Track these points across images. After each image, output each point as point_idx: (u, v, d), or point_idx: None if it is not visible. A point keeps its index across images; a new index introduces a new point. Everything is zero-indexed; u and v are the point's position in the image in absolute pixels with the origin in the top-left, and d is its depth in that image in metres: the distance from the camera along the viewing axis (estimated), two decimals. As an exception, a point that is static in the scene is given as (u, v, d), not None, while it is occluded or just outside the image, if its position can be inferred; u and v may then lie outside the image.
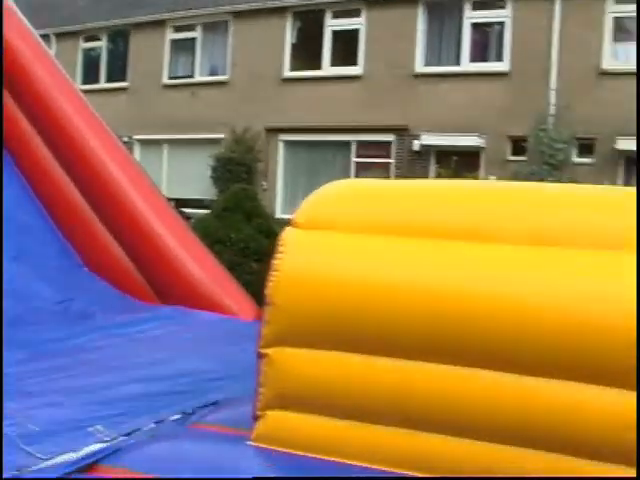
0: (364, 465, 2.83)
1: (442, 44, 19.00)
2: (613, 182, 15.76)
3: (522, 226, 2.81)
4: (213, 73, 21.82)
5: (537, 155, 16.65)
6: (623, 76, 16.45)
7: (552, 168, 16.22)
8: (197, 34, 21.90)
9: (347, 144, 19.53)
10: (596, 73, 16.78)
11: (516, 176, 15.60)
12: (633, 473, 2.46)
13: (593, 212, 2.83)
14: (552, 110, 16.85)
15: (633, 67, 16.43)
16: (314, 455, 2.90)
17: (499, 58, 18.08)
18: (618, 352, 2.48)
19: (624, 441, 2.47)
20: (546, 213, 2.86)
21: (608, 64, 16.82)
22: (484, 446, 2.70)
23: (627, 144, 16.02)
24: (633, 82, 16.10)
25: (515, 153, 17.46)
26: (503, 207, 2.94)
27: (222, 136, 20.43)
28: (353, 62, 19.48)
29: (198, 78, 21.79)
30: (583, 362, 2.53)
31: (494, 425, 2.67)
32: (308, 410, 2.96)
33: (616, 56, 17.06)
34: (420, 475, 2.76)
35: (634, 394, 2.46)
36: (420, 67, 18.74)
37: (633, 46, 16.93)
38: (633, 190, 2.92)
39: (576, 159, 16.80)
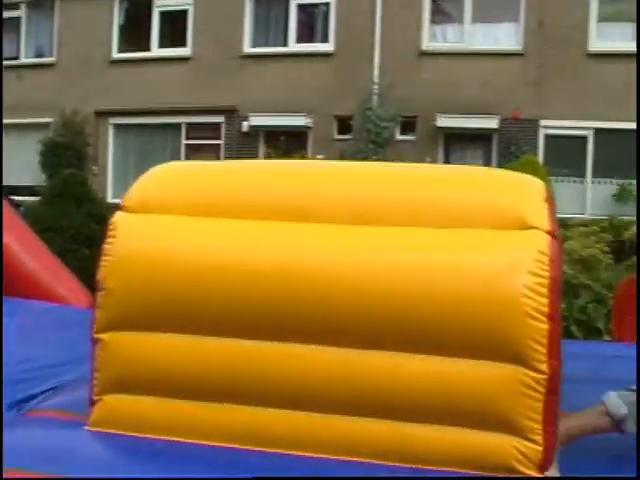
0: (205, 443, 2.95)
1: (269, 25, 19.20)
2: (434, 158, 16.57)
3: (345, 205, 2.99)
4: (39, 55, 21.15)
5: (363, 133, 17.18)
6: (441, 56, 17.23)
7: (377, 146, 16.80)
8: (21, 13, 21.11)
9: (177, 126, 19.46)
10: (416, 53, 17.46)
11: (343, 155, 16.05)
12: (448, 431, 2.73)
13: (415, 190, 3.05)
14: (376, 89, 17.41)
15: (449, 48, 17.26)
16: (153, 436, 2.99)
17: (325, 39, 18.48)
18: (426, 320, 2.74)
19: (442, 403, 2.75)
20: (369, 192, 3.05)
21: (427, 45, 17.53)
22: (318, 417, 2.89)
23: (445, 121, 16.82)
24: (450, 62, 16.93)
25: (341, 132, 17.94)
26: (327, 187, 3.11)
27: (50, 120, 19.89)
28: (182, 43, 19.42)
29: (23, 60, 21.06)
30: (397, 332, 2.78)
31: (326, 397, 2.85)
32: (144, 392, 2.97)
33: (434, 37, 17.80)
34: (259, 449, 2.92)
35: (450, 359, 2.72)
36: (248, 48, 18.90)
37: (450, 27, 17.78)
38: (452, 166, 3.12)
39: (399, 137, 17.48)
